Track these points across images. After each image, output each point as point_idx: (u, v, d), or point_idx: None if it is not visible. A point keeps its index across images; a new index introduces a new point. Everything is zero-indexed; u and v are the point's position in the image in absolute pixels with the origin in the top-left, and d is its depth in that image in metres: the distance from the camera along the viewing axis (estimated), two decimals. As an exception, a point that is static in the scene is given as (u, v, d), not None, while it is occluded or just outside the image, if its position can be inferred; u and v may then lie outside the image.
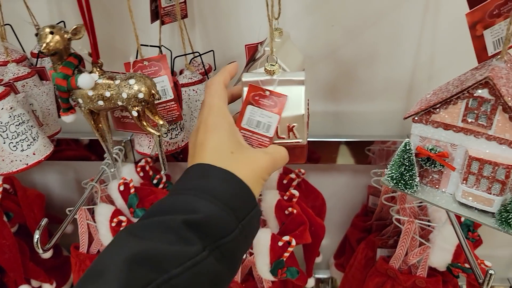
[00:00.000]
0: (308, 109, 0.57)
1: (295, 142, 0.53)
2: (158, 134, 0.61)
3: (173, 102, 0.64)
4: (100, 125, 0.62)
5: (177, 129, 0.70)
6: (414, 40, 0.80)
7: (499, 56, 0.47)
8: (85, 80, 0.55)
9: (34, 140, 0.60)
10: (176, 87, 0.64)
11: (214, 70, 0.80)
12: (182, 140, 0.72)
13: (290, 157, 0.54)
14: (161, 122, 0.60)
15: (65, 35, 0.53)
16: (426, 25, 0.78)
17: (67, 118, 0.60)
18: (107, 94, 0.56)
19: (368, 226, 0.97)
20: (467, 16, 0.47)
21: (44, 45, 0.52)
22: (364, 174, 0.99)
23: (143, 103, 0.56)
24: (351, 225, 1.02)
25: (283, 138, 0.53)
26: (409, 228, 0.79)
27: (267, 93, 0.52)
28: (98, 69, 0.57)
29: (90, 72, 0.56)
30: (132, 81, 0.55)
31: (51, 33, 0.52)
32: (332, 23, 0.80)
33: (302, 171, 0.91)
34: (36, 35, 0.53)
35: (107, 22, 0.82)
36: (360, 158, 0.93)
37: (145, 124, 0.59)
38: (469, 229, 0.82)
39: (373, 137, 0.91)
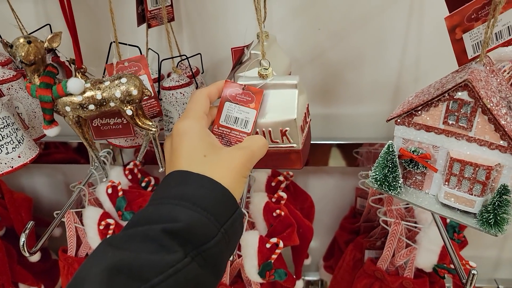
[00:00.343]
0: (307, 114, 0.57)
1: (289, 146, 0.53)
2: (155, 130, 0.60)
3: (153, 100, 0.65)
4: (87, 136, 0.62)
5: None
6: (400, 43, 0.81)
7: (478, 59, 0.48)
8: (76, 85, 0.54)
9: (19, 143, 0.60)
10: None
11: (202, 73, 0.81)
12: None
13: (286, 162, 0.54)
14: (150, 123, 0.60)
15: (42, 44, 0.52)
16: (411, 28, 0.79)
17: (51, 131, 0.59)
18: (99, 96, 0.55)
19: (356, 228, 0.98)
20: (446, 20, 0.47)
21: (24, 54, 0.51)
22: (352, 176, 0.99)
23: (136, 101, 0.57)
24: (340, 227, 1.03)
25: (277, 143, 0.53)
26: (396, 229, 0.80)
27: (243, 88, 0.52)
28: (81, 75, 0.56)
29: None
30: (124, 80, 0.56)
31: (28, 42, 0.51)
32: (318, 26, 0.80)
33: (291, 173, 0.92)
34: (11, 46, 0.51)
35: (95, 26, 0.82)
36: (348, 160, 0.94)
37: (139, 122, 0.59)
38: (454, 230, 0.82)
39: (361, 139, 0.92)
